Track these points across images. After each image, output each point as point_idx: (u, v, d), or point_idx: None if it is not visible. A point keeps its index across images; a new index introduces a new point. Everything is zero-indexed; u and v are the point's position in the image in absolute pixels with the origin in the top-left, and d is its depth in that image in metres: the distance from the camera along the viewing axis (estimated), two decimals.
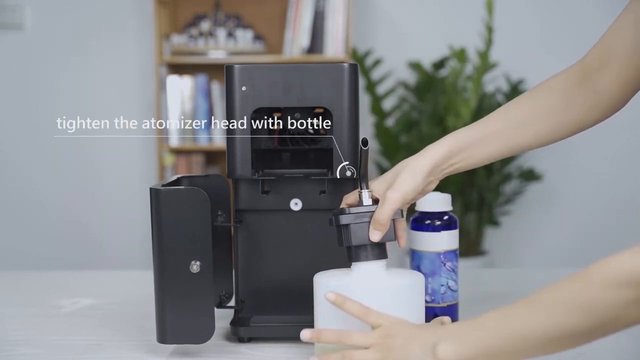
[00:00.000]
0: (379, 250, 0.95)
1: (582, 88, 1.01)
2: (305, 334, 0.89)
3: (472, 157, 1.01)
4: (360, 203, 0.96)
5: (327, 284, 0.93)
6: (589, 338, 0.76)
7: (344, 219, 0.95)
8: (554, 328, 0.74)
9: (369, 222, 0.94)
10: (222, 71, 1.07)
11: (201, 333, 0.97)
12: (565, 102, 1.02)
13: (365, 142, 0.95)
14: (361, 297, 0.90)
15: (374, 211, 0.94)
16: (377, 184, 0.99)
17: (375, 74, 3.19)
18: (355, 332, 0.87)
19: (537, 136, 1.03)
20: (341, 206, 1.00)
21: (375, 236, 0.94)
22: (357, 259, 0.95)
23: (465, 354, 0.78)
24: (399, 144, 2.98)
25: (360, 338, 0.86)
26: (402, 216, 0.99)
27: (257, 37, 3.18)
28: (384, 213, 0.93)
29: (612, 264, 0.72)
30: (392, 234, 0.96)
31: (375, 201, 0.97)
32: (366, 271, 0.95)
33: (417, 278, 0.97)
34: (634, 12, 0.98)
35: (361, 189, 0.97)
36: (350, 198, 1.00)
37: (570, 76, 1.03)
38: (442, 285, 1.10)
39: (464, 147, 1.00)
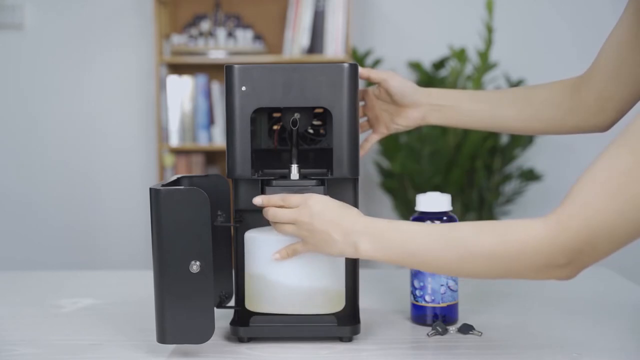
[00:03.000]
0: None
1: (571, 99, 1.12)
2: (256, 199, 1.01)
3: (461, 107, 1.16)
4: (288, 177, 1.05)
5: (256, 237, 1.03)
6: (495, 279, 0.91)
7: (269, 191, 1.03)
8: (463, 268, 0.87)
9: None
10: (222, 71, 1.07)
11: (201, 333, 0.97)
12: (558, 108, 1.14)
13: (294, 122, 1.05)
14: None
15: (300, 185, 1.03)
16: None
17: None
18: (280, 210, 0.98)
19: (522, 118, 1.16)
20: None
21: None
22: None
23: (380, 255, 0.91)
24: (399, 144, 2.98)
25: (283, 216, 0.97)
26: None
27: (257, 37, 3.18)
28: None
29: (525, 232, 0.81)
30: None
31: (304, 176, 1.05)
32: None
33: None
34: (615, 34, 1.06)
35: (291, 163, 1.06)
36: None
37: (567, 86, 1.13)
38: (442, 285, 1.10)
39: (459, 94, 1.17)
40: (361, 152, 1.14)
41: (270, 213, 0.99)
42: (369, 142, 1.21)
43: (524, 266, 0.83)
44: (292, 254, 1.00)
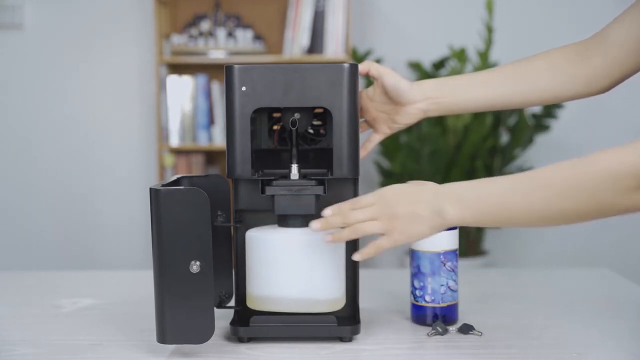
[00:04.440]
0: (302, 220, 1.05)
1: (574, 65, 1.12)
2: (314, 225, 0.97)
3: (457, 96, 1.14)
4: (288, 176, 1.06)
5: (257, 237, 1.04)
6: (583, 219, 0.86)
7: (269, 190, 1.03)
8: (552, 207, 0.86)
9: (294, 195, 1.04)
10: (222, 71, 1.07)
11: (201, 333, 0.97)
12: (559, 76, 1.13)
13: (294, 123, 1.06)
14: (285, 251, 1.02)
15: (300, 185, 1.03)
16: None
17: None
18: (357, 210, 0.95)
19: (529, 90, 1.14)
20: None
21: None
22: (285, 225, 1.05)
23: (468, 215, 0.91)
24: (399, 144, 2.98)
25: (362, 215, 0.95)
26: None
27: (257, 37, 3.18)
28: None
29: (614, 157, 0.82)
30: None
31: (304, 176, 1.05)
32: (291, 232, 1.04)
33: None
34: (635, 10, 1.06)
35: (291, 163, 1.06)
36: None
37: (569, 51, 1.13)
38: (442, 285, 1.10)
39: (454, 82, 1.15)
40: (363, 152, 1.14)
41: (351, 216, 0.95)
42: (372, 142, 1.19)
43: (612, 191, 0.82)
44: (377, 251, 0.95)
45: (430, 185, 0.96)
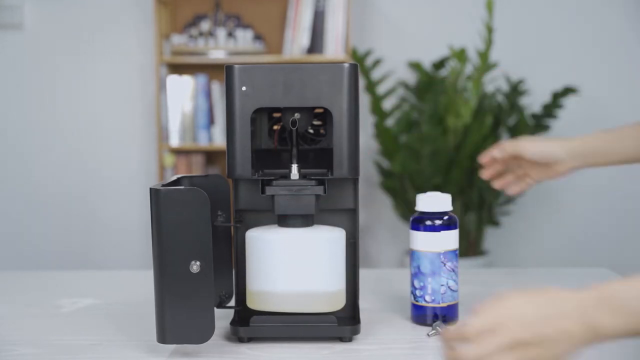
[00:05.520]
0: (302, 220, 1.05)
1: None
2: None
3: (600, 152, 1.21)
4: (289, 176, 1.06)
5: (257, 237, 1.04)
6: None
7: (269, 190, 1.04)
8: None
9: (294, 195, 1.04)
10: (222, 71, 1.07)
11: (201, 333, 0.97)
12: None
13: (294, 123, 1.06)
14: (285, 251, 1.02)
15: (300, 185, 1.04)
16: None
17: (375, 74, 3.19)
18: (481, 342, 0.71)
19: None
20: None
21: None
22: (285, 225, 1.05)
23: (633, 320, 0.73)
24: (399, 144, 2.98)
25: (490, 341, 0.71)
26: None
27: (257, 37, 3.18)
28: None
29: None
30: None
31: (304, 176, 1.05)
32: (291, 232, 1.05)
33: (337, 233, 1.06)
34: None
35: (291, 163, 1.06)
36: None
37: None
38: (442, 285, 1.10)
39: (596, 141, 1.21)
40: (516, 191, 1.24)
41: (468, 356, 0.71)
42: (528, 185, 1.27)
43: None
44: None
45: (563, 293, 0.75)
